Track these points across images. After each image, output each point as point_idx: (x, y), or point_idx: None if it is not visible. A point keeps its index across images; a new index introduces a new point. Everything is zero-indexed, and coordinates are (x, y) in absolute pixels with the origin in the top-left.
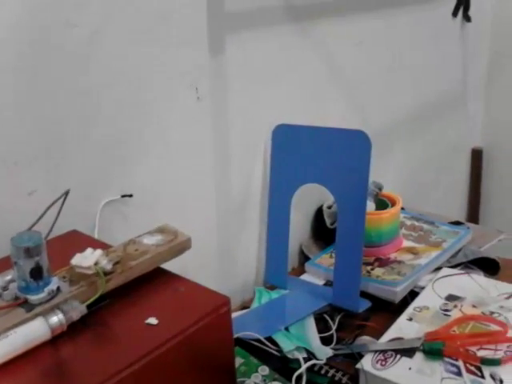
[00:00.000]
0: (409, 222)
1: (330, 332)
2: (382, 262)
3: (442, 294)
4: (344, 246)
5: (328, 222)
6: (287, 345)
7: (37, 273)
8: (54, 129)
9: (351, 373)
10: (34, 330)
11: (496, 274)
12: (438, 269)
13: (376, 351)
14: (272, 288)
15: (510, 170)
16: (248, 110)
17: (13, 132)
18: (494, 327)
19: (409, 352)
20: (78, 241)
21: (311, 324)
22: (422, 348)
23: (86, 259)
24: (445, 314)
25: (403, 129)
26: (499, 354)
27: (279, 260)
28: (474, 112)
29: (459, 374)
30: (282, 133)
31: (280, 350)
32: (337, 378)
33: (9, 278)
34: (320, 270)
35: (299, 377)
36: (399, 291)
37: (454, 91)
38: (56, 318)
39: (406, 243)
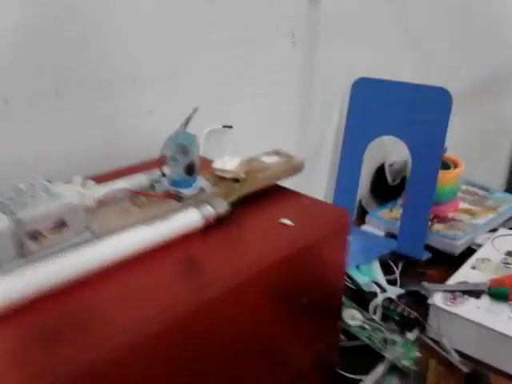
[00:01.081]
0: (464, 187)
1: (394, 276)
2: (441, 219)
3: (501, 250)
4: (414, 199)
5: (390, 179)
6: (362, 279)
7: (190, 169)
8: (173, 53)
9: (418, 310)
10: (188, 219)
11: None
12: (493, 231)
13: (445, 291)
14: None
15: None
16: (332, 61)
17: (136, 53)
18: None
19: (476, 294)
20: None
21: (377, 266)
22: (488, 291)
23: (227, 164)
24: (506, 266)
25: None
26: None
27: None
28: None
29: None
30: (362, 86)
31: (355, 284)
32: (406, 313)
33: (157, 175)
34: (381, 222)
35: (374, 308)
36: (460, 244)
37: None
38: (207, 210)
39: (463, 205)
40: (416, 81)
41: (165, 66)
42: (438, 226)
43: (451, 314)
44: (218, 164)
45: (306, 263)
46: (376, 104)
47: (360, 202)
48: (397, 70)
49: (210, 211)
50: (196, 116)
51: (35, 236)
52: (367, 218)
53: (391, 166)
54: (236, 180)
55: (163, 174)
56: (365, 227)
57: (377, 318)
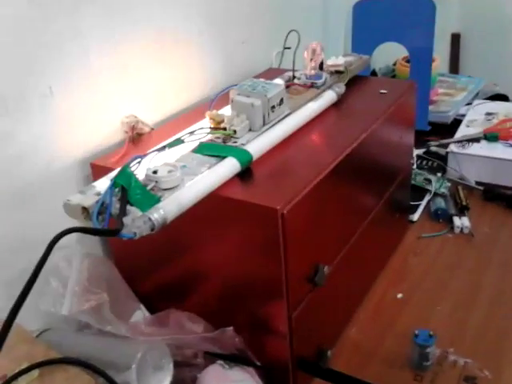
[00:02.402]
0: (438, 78)
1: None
2: (430, 102)
3: (481, 112)
4: (418, 83)
5: None
6: None
7: (321, 64)
8: None
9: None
10: (329, 97)
11: (508, 101)
12: (468, 104)
13: (456, 142)
14: None
15: (484, 51)
16: None
17: None
18: None
19: (476, 140)
20: (276, 72)
21: None
22: (484, 137)
23: (336, 61)
24: (488, 120)
25: None
26: None
27: None
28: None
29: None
30: (362, 7)
31: None
32: (430, 163)
33: (286, 78)
34: None
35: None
36: (451, 115)
37: None
38: (336, 90)
39: (441, 90)
40: None
41: None
42: (429, 107)
43: (464, 154)
44: (330, 61)
45: (397, 118)
46: (375, 19)
47: None
48: None
49: (337, 90)
50: (268, 42)
51: (274, 107)
52: None
53: (380, 69)
54: (340, 72)
55: (294, 76)
56: None
57: (414, 166)
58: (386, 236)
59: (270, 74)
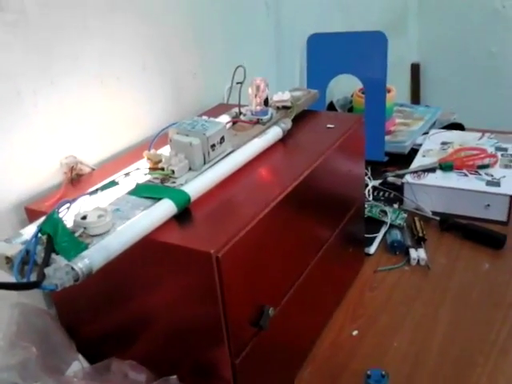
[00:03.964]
0: (395, 108)
1: (368, 175)
2: (387, 132)
3: (437, 142)
4: (371, 117)
5: (340, 111)
6: None
7: (266, 100)
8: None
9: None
10: (274, 133)
11: (464, 130)
12: (425, 133)
13: (411, 173)
14: None
15: (443, 79)
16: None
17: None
18: (478, 151)
19: (431, 170)
20: (227, 107)
21: None
22: (439, 166)
23: (282, 96)
24: (444, 150)
25: None
26: (487, 161)
27: None
28: (412, 31)
29: (466, 175)
30: (316, 40)
31: None
32: (387, 194)
33: (233, 114)
34: None
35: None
36: (407, 145)
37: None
38: (283, 126)
39: (398, 120)
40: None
41: None
42: (386, 137)
43: (420, 184)
44: (276, 97)
45: (346, 152)
46: (329, 51)
47: None
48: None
49: (283, 126)
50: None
51: (215, 145)
52: None
53: (338, 101)
54: (287, 107)
55: (240, 112)
56: None
57: (370, 198)
58: (340, 271)
59: (220, 109)
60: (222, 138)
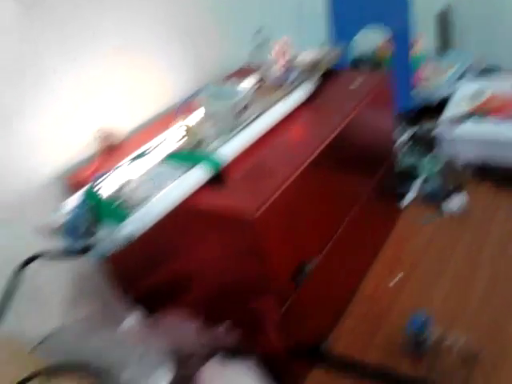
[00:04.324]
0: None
1: (401, 127)
2: (418, 83)
3: (470, 90)
4: (399, 67)
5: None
6: None
7: (289, 63)
8: None
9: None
10: (299, 95)
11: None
12: (459, 79)
13: (443, 123)
14: None
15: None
16: None
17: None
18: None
19: (464, 119)
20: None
21: None
22: (472, 115)
23: (306, 56)
24: (477, 98)
25: None
26: None
27: None
28: None
29: (500, 123)
30: None
31: None
32: (419, 147)
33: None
34: None
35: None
36: (438, 95)
37: None
38: (307, 86)
39: (429, 70)
40: None
41: None
42: (416, 88)
43: (453, 135)
44: (300, 57)
45: (373, 109)
46: (354, 3)
47: None
48: None
49: (307, 88)
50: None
51: (242, 111)
52: None
53: (362, 56)
54: (312, 66)
55: (264, 76)
56: None
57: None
58: (376, 224)
59: (243, 72)
60: (250, 103)
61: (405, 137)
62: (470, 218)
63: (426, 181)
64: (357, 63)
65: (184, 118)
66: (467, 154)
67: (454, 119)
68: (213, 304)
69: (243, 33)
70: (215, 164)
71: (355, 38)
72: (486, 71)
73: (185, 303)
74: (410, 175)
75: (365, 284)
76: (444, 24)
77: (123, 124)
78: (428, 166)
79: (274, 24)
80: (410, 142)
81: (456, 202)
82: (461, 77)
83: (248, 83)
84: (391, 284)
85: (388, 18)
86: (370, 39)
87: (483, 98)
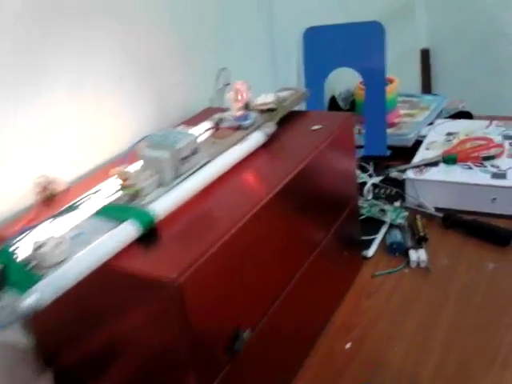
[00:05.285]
0: (400, 98)
1: (369, 172)
2: (390, 125)
3: (442, 133)
4: (372, 111)
5: (342, 105)
6: None
7: (246, 105)
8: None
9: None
10: (255, 139)
11: (472, 118)
12: (430, 124)
13: (413, 167)
14: None
15: (454, 65)
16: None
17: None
18: (483, 142)
19: (434, 164)
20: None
21: None
22: (442, 160)
23: (266, 99)
24: (448, 141)
25: None
26: (493, 152)
27: None
28: (420, 17)
29: (471, 168)
30: (312, 34)
31: None
32: (389, 191)
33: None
34: None
35: (367, 191)
36: (411, 138)
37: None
38: (266, 130)
39: (403, 111)
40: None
41: None
42: (389, 130)
43: (422, 180)
44: (259, 100)
45: (334, 152)
46: (326, 44)
47: None
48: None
49: (266, 131)
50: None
51: (187, 158)
52: None
53: (340, 95)
54: (271, 110)
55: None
56: None
57: (370, 197)
58: (334, 277)
59: (206, 114)
60: (196, 149)
61: (372, 181)
62: (434, 269)
63: (391, 230)
64: (335, 104)
65: (126, 166)
66: (436, 200)
67: (424, 163)
68: (138, 381)
69: (210, 74)
70: (147, 219)
71: (330, 78)
72: (461, 115)
73: (109, 379)
74: (377, 222)
75: (318, 346)
76: (425, 64)
77: (70, 170)
78: (394, 214)
79: (246, 65)
80: (378, 187)
81: (421, 253)
82: (436, 119)
83: (201, 127)
84: (347, 346)
85: (362, 60)
86: (346, 81)
87: (455, 142)
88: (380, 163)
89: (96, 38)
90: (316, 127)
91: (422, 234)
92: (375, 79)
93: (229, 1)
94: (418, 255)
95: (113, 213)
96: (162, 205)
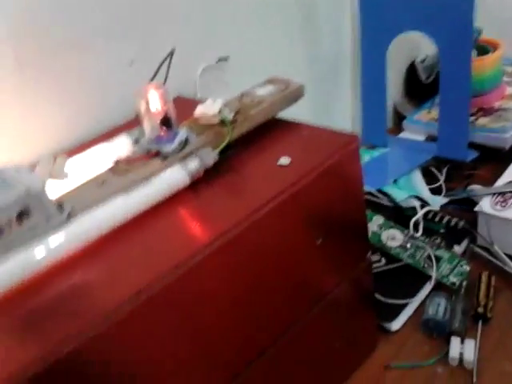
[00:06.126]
0: (510, 69)
1: (438, 183)
2: (487, 111)
3: None
4: (449, 96)
5: (423, 76)
6: (400, 195)
7: (166, 121)
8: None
9: (467, 218)
10: (173, 177)
11: None
12: None
13: (494, 194)
14: (372, 147)
15: None
16: None
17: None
18: None
19: None
20: (184, 104)
21: (418, 176)
22: None
23: (209, 109)
24: None
25: None
26: None
27: (377, 118)
28: None
29: None
30: None
31: (392, 201)
32: (452, 224)
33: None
34: (420, 126)
35: (415, 224)
36: (509, 137)
37: None
38: (192, 165)
39: (510, 90)
40: None
41: None
42: (483, 120)
43: (502, 219)
44: (199, 110)
45: (313, 199)
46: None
47: (395, 108)
48: None
49: (195, 166)
50: (189, 53)
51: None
52: (404, 124)
53: (422, 62)
54: (224, 123)
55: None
56: (403, 134)
57: (419, 234)
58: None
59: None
60: (27, 211)
61: (425, 210)
62: (483, 379)
63: (436, 291)
64: (413, 73)
65: None
66: None
67: (508, 190)
68: None
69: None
70: None
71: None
72: None
73: None
74: (418, 276)
75: None
76: None
77: None
78: (449, 265)
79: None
80: (439, 213)
81: (468, 346)
82: None
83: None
84: None
85: (437, 23)
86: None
87: None
88: (456, 171)
89: None
90: (284, 162)
91: (480, 309)
92: (458, 46)
93: None
94: (462, 348)
95: None
96: None
